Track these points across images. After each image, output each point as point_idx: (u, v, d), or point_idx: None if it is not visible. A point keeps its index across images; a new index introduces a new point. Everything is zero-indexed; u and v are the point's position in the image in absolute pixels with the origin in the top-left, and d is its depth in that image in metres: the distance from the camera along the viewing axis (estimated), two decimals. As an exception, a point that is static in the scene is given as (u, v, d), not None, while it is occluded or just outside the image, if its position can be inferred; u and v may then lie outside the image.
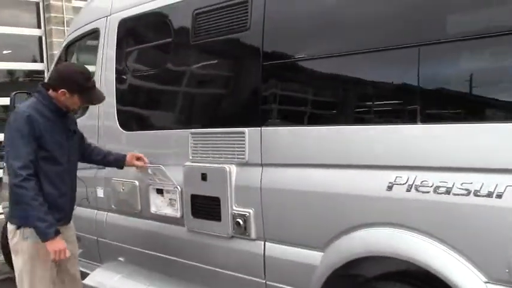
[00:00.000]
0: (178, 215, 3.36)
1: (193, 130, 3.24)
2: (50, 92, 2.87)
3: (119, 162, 3.47)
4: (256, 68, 2.87)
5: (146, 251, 3.68)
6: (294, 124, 2.83)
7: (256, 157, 2.89)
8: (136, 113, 3.86)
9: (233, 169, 3.00)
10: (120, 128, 3.82)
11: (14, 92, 4.59)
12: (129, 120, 3.83)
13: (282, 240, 2.80)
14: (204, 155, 3.18)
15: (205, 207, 3.16)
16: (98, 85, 3.95)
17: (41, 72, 9.03)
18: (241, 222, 2.95)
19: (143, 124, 3.71)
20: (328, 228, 2.56)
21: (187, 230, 3.30)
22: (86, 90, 2.90)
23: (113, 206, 3.86)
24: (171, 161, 3.40)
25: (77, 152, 3.14)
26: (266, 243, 2.88)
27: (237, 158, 2.98)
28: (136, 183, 3.66)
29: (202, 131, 3.20)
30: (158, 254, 3.58)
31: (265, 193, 2.84)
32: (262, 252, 2.89)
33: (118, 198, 3.82)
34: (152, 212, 3.53)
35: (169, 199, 3.43)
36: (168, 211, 3.43)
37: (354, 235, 2.45)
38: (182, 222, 3.34)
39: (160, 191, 3.49)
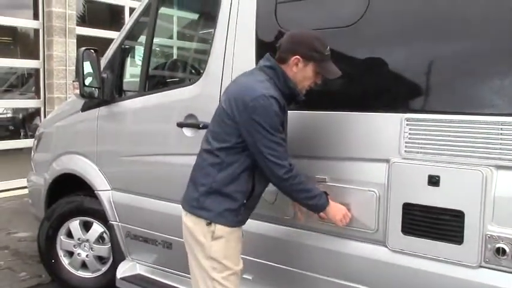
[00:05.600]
0: (372, 228, 2.47)
1: (409, 115, 2.34)
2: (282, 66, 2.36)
3: None
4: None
5: (299, 271, 2.76)
6: None
7: (542, 159, 2.04)
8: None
9: (493, 173, 2.14)
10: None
11: (83, 48, 3.49)
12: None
13: None
14: (430, 150, 2.30)
15: (431, 222, 2.29)
16: (219, 47, 3.00)
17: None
18: (506, 249, 2.10)
19: (307, 102, 2.63)
20: None
21: (391, 251, 2.42)
22: (323, 59, 2.35)
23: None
24: (356, 153, 2.49)
25: None
26: (550, 281, 2.06)
27: (502, 159, 2.12)
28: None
29: (429, 117, 2.30)
30: (320, 276, 2.68)
31: (558, 211, 2.01)
32: (544, 294, 2.06)
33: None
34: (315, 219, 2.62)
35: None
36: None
37: None
38: (378, 239, 2.46)
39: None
